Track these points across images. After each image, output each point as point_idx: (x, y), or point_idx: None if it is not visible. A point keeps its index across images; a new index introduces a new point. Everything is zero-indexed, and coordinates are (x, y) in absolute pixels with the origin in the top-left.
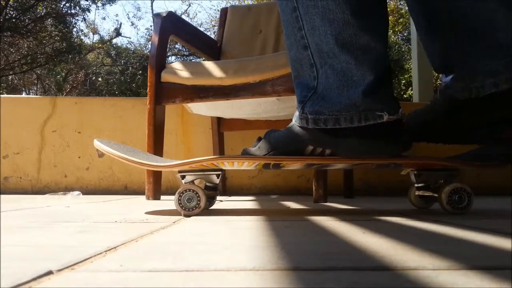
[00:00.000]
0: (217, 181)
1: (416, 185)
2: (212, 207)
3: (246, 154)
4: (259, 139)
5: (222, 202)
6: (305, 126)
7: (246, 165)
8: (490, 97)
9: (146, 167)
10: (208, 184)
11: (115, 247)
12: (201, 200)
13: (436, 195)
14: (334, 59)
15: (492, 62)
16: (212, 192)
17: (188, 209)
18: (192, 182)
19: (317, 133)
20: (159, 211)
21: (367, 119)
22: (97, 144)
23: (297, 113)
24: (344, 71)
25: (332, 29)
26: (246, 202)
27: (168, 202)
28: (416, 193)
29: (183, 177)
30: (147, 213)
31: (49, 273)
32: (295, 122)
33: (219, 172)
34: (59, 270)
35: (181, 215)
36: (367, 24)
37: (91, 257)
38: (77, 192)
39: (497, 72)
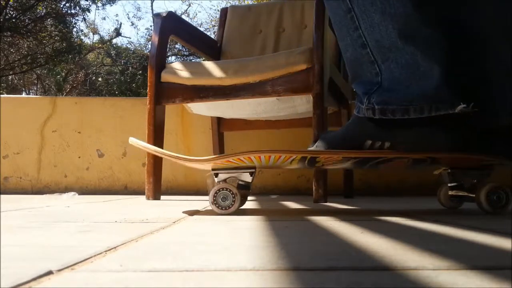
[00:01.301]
0: (250, 179)
1: (449, 184)
2: None
3: None
4: (315, 140)
5: None
6: (371, 116)
7: (293, 161)
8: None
9: (183, 161)
10: (240, 182)
11: (115, 247)
12: (236, 199)
13: (472, 195)
14: (397, 52)
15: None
16: (244, 191)
17: (223, 208)
18: (225, 180)
19: (376, 127)
20: (159, 211)
21: (438, 109)
22: (132, 140)
23: (360, 105)
24: (410, 63)
25: (394, 23)
26: (246, 202)
27: (168, 202)
28: (449, 193)
29: (216, 175)
30: (147, 213)
31: (49, 273)
32: (356, 114)
33: (253, 170)
34: (59, 270)
35: (182, 215)
36: (430, 16)
37: (91, 257)
38: (73, 193)
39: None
